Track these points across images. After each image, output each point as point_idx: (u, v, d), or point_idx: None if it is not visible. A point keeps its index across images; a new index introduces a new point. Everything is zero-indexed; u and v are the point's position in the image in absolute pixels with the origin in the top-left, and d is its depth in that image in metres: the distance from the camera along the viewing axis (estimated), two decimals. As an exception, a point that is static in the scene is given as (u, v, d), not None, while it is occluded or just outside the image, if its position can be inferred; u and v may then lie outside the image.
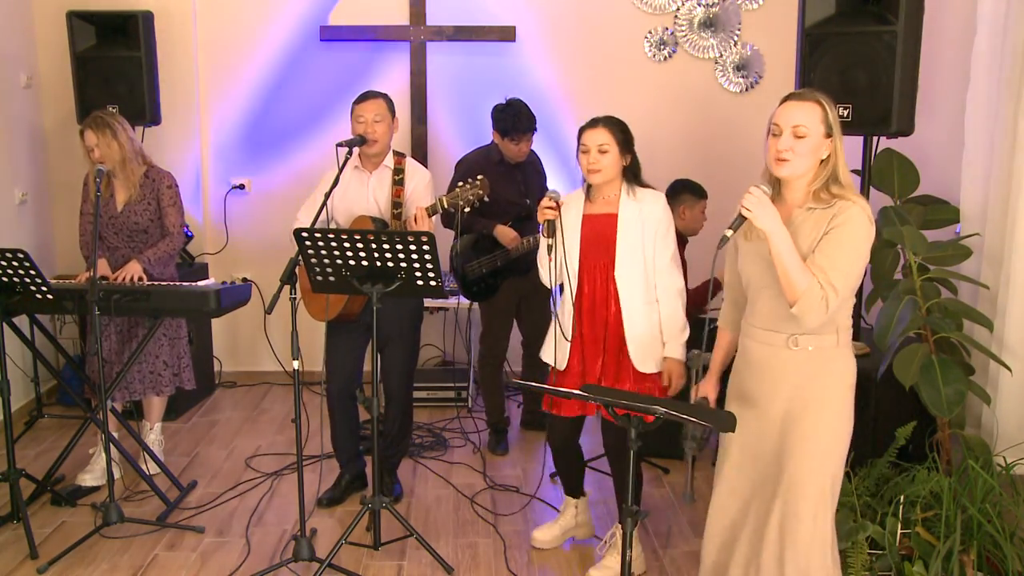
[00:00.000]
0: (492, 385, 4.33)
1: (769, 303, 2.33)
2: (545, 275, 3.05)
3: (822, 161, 2.27)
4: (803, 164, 2.26)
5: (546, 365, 3.14)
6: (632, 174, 2.99)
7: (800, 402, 2.31)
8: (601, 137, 2.92)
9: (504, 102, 4.06)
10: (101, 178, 3.40)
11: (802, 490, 2.28)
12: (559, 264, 3.00)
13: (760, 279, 2.35)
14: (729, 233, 2.28)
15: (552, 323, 3.07)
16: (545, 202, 2.95)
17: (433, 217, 3.30)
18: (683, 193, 4.23)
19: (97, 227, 3.29)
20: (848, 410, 2.34)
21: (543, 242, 2.98)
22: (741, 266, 2.44)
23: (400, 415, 3.65)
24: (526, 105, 4.05)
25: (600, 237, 2.97)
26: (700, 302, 4.19)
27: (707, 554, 2.53)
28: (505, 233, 4.06)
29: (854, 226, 2.21)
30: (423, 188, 3.48)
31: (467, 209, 3.30)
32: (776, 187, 2.35)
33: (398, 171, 3.48)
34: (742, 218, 2.26)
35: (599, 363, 3.01)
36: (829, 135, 2.26)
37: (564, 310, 3.05)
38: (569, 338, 3.03)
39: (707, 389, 2.61)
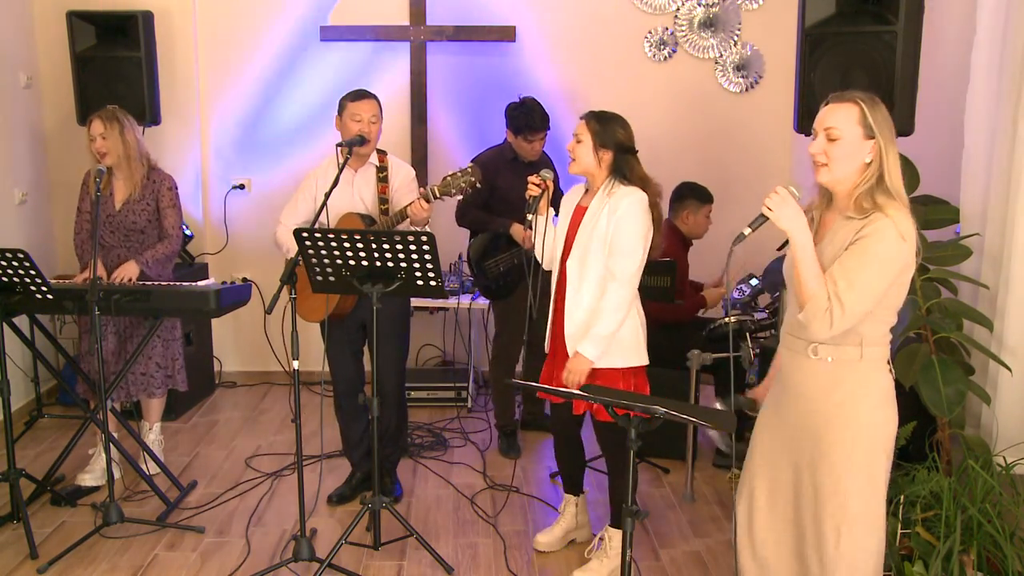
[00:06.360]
0: (504, 387, 4.26)
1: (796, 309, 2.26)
2: (538, 254, 3.09)
3: (868, 164, 2.14)
4: (841, 169, 2.14)
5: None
6: (618, 171, 2.94)
7: (821, 416, 2.21)
8: (579, 127, 2.96)
9: (518, 100, 4.05)
10: (101, 177, 3.40)
11: (825, 507, 2.23)
12: (546, 245, 3.04)
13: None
14: (747, 231, 2.20)
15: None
16: (533, 178, 2.99)
17: (431, 204, 3.30)
18: (687, 198, 4.22)
19: (97, 228, 3.30)
20: (875, 429, 2.21)
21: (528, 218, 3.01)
22: (785, 270, 2.37)
23: (395, 412, 3.66)
24: (540, 104, 4.04)
25: (575, 228, 2.99)
26: (701, 303, 4.19)
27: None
28: (520, 231, 4.04)
29: (878, 240, 2.06)
30: (407, 184, 3.54)
31: (459, 197, 3.32)
32: (827, 195, 2.25)
33: (382, 168, 3.52)
34: (763, 217, 2.18)
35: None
36: (870, 136, 2.13)
37: (550, 292, 3.07)
38: (535, 315, 3.06)
39: (760, 393, 2.51)
